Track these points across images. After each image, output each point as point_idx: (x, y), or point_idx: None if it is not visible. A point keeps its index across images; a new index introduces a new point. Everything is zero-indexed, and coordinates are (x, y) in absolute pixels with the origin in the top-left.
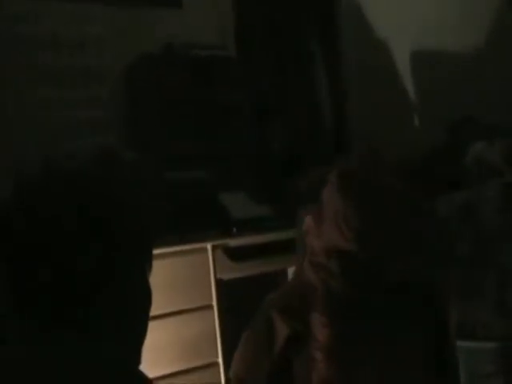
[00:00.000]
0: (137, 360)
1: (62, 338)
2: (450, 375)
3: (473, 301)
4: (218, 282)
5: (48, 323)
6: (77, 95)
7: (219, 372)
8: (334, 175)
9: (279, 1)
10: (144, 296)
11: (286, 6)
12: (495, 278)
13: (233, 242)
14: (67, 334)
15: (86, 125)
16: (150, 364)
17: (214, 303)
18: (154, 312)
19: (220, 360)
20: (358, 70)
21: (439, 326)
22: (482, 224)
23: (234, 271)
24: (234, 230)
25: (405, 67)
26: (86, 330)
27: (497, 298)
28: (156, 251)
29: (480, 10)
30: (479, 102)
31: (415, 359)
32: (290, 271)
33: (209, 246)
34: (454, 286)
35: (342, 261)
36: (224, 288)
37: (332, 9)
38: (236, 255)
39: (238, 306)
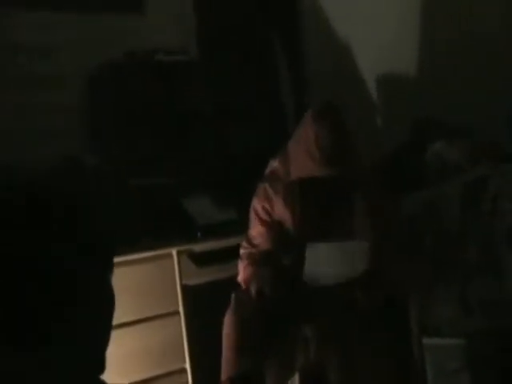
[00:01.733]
0: (100, 368)
1: (23, 345)
2: (416, 372)
3: (437, 298)
4: (184, 288)
5: (7, 331)
6: (38, 102)
7: (187, 378)
8: (310, 112)
9: (241, 5)
10: (106, 301)
11: (248, 10)
12: (459, 275)
13: (198, 247)
14: (27, 339)
15: (47, 132)
16: (117, 372)
17: (181, 309)
18: (119, 319)
19: (187, 366)
20: (321, 71)
21: (402, 323)
22: (445, 221)
23: (200, 276)
24: (199, 234)
25: (367, 67)
26: (46, 337)
27: (461, 295)
28: (120, 258)
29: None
30: (440, 102)
31: (378, 358)
32: None
33: (174, 252)
34: (417, 284)
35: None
36: (190, 293)
37: (294, 11)
38: (201, 260)
39: (205, 311)
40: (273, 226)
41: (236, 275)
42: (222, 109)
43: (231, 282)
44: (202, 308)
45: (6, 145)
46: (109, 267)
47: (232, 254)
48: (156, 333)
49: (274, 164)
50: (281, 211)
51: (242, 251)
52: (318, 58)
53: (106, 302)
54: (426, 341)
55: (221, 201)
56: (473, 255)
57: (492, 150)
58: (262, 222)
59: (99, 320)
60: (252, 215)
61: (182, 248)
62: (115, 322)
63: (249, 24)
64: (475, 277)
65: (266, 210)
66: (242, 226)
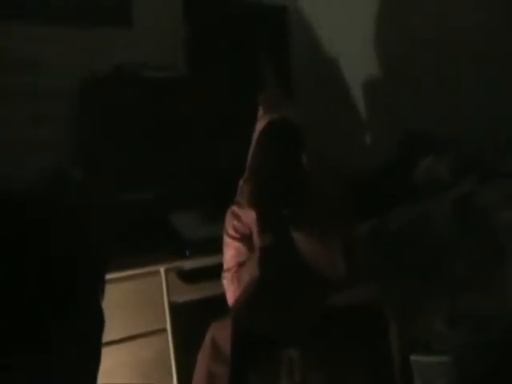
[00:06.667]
0: None
1: (11, 365)
2: None
3: (425, 313)
4: (172, 305)
5: None
6: (25, 115)
7: None
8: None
9: (230, 20)
10: (96, 321)
11: (237, 26)
12: (447, 290)
13: (186, 265)
14: (16, 360)
15: (34, 145)
16: None
17: (168, 327)
18: (107, 337)
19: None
20: (308, 86)
21: (383, 344)
22: (433, 236)
23: (188, 294)
24: (187, 252)
25: (355, 82)
26: (37, 357)
27: (449, 310)
28: (108, 276)
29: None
30: (428, 116)
31: (360, 377)
32: None
33: (162, 270)
34: (405, 301)
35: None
36: (178, 311)
37: (282, 27)
38: (189, 278)
39: (193, 329)
40: (246, 239)
41: (224, 293)
42: (210, 124)
43: (219, 299)
44: (190, 325)
45: None
46: (99, 285)
47: (220, 272)
48: (143, 350)
49: (240, 183)
50: (249, 217)
51: (225, 281)
52: (305, 72)
53: (97, 320)
54: (413, 358)
55: (209, 217)
56: (461, 271)
57: (479, 165)
58: (235, 238)
59: (90, 339)
60: (224, 239)
61: (169, 266)
62: (105, 338)
63: (237, 39)
64: (463, 292)
65: (236, 229)
66: None
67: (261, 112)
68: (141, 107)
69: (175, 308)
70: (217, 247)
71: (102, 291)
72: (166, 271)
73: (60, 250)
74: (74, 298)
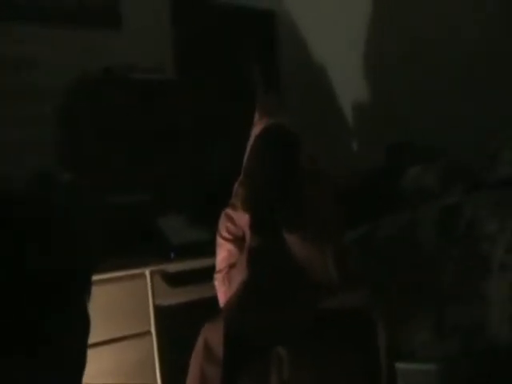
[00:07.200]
0: None
1: None
2: None
3: (412, 322)
4: (157, 308)
5: None
6: (12, 115)
7: None
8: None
9: (219, 24)
10: (82, 324)
11: (226, 30)
12: (434, 299)
13: (171, 267)
14: (3, 362)
15: (21, 146)
16: None
17: (153, 330)
18: (92, 340)
19: None
20: (297, 93)
21: (373, 349)
22: (420, 246)
23: (173, 297)
24: (172, 254)
25: (343, 90)
26: (23, 360)
27: (435, 319)
28: (95, 278)
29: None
30: (416, 126)
31: (350, 381)
32: None
33: (147, 272)
34: (392, 308)
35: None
36: (163, 314)
37: (271, 31)
38: (175, 281)
39: (178, 332)
40: (239, 241)
41: (209, 297)
42: (198, 127)
43: (204, 303)
44: (175, 329)
45: None
46: (86, 286)
47: (206, 275)
48: (128, 353)
49: (236, 186)
50: (242, 220)
51: (216, 282)
52: (294, 78)
53: (83, 323)
54: (399, 365)
55: (196, 220)
56: (448, 280)
57: (466, 175)
58: (228, 240)
59: (76, 342)
60: (217, 241)
61: (155, 268)
62: (90, 341)
63: (225, 42)
64: (450, 302)
65: (229, 230)
66: (215, 247)
67: (257, 117)
68: (129, 110)
69: (160, 311)
70: (203, 250)
71: (89, 293)
72: (152, 274)
73: (47, 252)
74: (60, 299)
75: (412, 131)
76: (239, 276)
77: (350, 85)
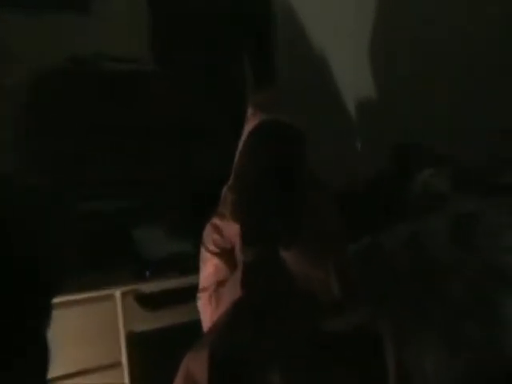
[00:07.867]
0: None
1: None
2: None
3: (420, 338)
4: (129, 335)
5: None
6: None
7: None
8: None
9: (204, 7)
10: (41, 353)
11: (212, 15)
12: (444, 315)
13: (146, 287)
14: None
15: None
16: None
17: (124, 360)
18: (53, 372)
19: None
20: (294, 88)
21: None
22: (431, 257)
23: (148, 322)
24: (147, 272)
25: (346, 87)
26: None
27: (446, 335)
28: (55, 300)
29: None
30: (426, 128)
31: None
32: None
33: (117, 293)
34: (399, 326)
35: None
36: (136, 342)
37: (266, 23)
38: (150, 302)
39: (153, 363)
40: (227, 255)
41: (191, 320)
42: (179, 124)
43: (185, 328)
44: (150, 359)
45: None
46: (45, 309)
47: (187, 296)
48: None
49: (224, 191)
50: (231, 230)
51: (200, 302)
52: (291, 75)
53: (40, 352)
54: None
55: (176, 232)
56: (460, 294)
57: (479, 179)
58: (215, 253)
59: (32, 374)
60: (202, 255)
61: (127, 288)
62: (49, 375)
63: (212, 29)
64: (462, 317)
65: (216, 243)
66: (198, 262)
67: (251, 112)
68: (99, 104)
69: (133, 338)
70: (183, 267)
71: (48, 318)
72: (123, 295)
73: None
74: (13, 324)
75: (415, 132)
76: (230, 296)
77: (353, 82)
